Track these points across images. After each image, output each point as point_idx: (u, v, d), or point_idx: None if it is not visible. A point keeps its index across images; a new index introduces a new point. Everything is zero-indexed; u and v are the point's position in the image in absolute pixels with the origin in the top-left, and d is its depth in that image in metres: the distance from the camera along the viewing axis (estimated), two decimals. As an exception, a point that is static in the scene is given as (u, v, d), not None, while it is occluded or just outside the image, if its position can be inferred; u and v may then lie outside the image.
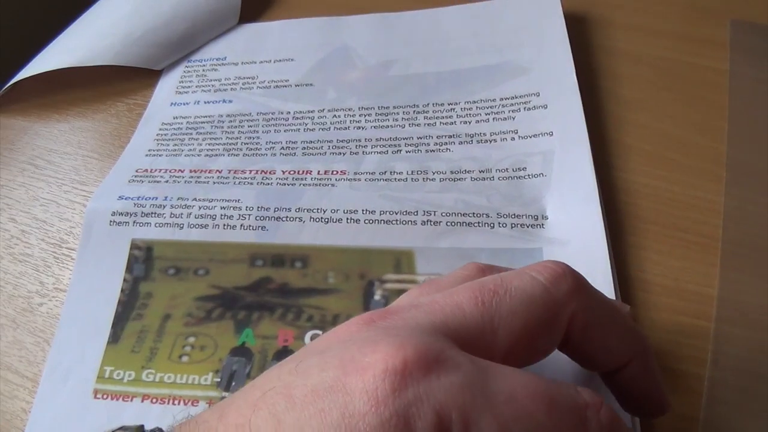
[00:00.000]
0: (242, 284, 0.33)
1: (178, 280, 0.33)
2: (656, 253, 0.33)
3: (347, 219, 0.34)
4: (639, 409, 0.26)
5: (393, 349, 0.19)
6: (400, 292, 0.30)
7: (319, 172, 0.37)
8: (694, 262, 0.33)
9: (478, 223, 0.33)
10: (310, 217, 0.34)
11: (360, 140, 0.39)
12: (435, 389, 0.18)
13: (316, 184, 0.36)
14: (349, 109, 0.41)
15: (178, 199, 0.36)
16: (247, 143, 0.39)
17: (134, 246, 0.34)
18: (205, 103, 0.43)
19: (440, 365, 0.19)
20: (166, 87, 0.44)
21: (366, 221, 0.34)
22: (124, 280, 0.33)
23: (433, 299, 0.22)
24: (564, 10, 0.42)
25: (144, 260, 0.34)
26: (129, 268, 0.34)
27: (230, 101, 0.43)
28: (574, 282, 0.23)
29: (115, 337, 0.32)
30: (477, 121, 0.39)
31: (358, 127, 0.39)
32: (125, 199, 0.36)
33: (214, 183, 0.37)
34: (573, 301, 0.23)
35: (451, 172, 0.36)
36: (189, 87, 0.44)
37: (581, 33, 0.43)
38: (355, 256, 0.33)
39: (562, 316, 0.23)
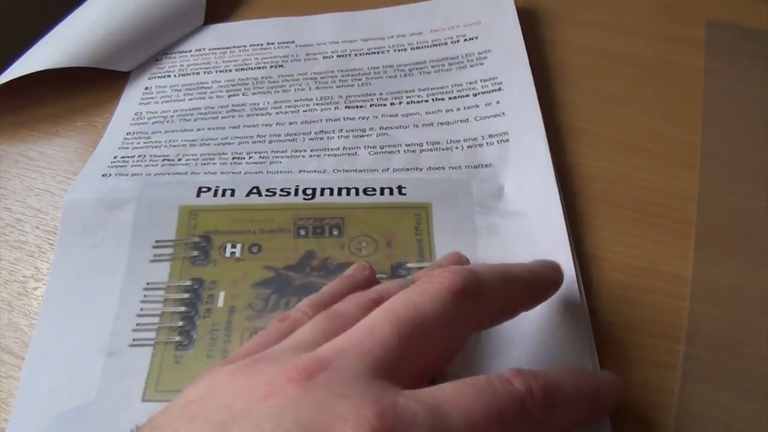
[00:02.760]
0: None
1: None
2: (632, 236, 0.35)
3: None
4: None
5: (368, 408, 0.20)
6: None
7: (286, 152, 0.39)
8: (668, 245, 0.34)
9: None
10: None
11: (324, 129, 0.40)
12: None
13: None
14: (309, 100, 0.42)
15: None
16: (215, 138, 0.40)
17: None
18: (174, 101, 0.44)
19: (401, 424, 0.20)
20: (134, 87, 0.45)
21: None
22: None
23: (356, 339, 0.23)
24: (518, 7, 0.46)
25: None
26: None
27: (197, 98, 0.44)
28: (467, 298, 0.25)
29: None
30: (435, 109, 0.41)
31: (322, 119, 0.41)
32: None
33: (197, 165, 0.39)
34: (471, 321, 0.25)
35: (411, 151, 0.38)
36: (157, 86, 0.45)
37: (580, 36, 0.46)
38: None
39: (462, 334, 0.25)
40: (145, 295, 0.33)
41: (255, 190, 0.36)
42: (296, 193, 0.36)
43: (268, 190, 0.36)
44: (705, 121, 0.39)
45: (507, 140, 0.38)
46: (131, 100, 0.44)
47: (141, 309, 0.32)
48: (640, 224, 0.35)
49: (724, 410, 0.29)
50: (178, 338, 0.31)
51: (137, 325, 0.32)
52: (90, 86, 0.45)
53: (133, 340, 0.31)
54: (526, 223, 0.34)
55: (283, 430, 0.19)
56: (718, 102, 0.41)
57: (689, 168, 0.37)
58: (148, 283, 0.33)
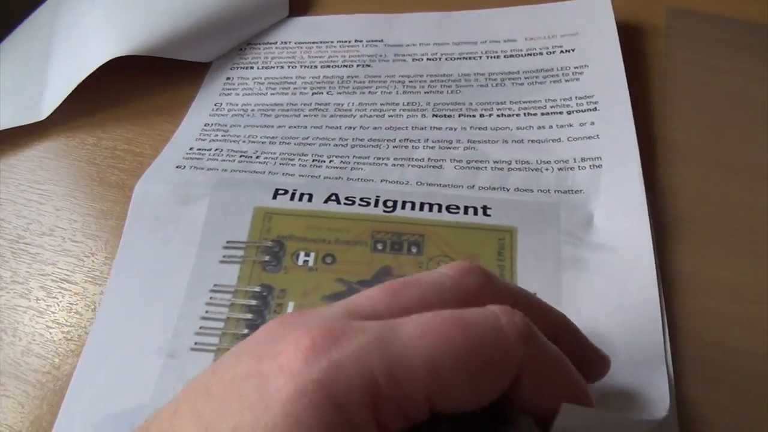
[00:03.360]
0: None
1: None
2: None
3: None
4: None
5: (301, 332, 0.19)
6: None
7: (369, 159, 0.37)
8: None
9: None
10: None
11: (410, 137, 0.38)
12: (349, 352, 0.19)
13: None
14: (395, 104, 0.40)
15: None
16: (296, 137, 0.39)
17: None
18: (256, 94, 0.42)
19: (349, 333, 0.19)
20: (216, 76, 0.44)
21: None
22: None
23: (347, 299, 0.22)
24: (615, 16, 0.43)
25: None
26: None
27: (280, 93, 0.42)
28: (482, 276, 0.23)
29: None
30: (527, 125, 0.38)
31: (408, 126, 0.39)
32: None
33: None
34: (480, 292, 0.23)
35: (498, 169, 0.36)
36: (239, 77, 0.44)
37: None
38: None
39: (472, 303, 0.22)
40: (211, 297, 0.32)
41: (334, 197, 0.35)
42: (376, 204, 0.34)
43: (347, 198, 0.34)
44: (664, 108, 0.39)
45: (600, 165, 0.36)
46: (212, 90, 0.43)
47: (206, 312, 0.31)
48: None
49: (715, 406, 0.29)
50: (242, 346, 0.30)
51: (200, 328, 0.31)
52: (171, 79, 0.44)
53: (195, 343, 0.31)
54: (615, 259, 0.32)
55: (242, 353, 0.20)
56: (679, 90, 0.40)
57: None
58: (215, 285, 0.32)
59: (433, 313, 0.20)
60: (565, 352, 0.23)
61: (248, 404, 0.18)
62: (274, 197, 0.35)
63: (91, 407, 0.29)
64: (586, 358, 0.25)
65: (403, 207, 0.34)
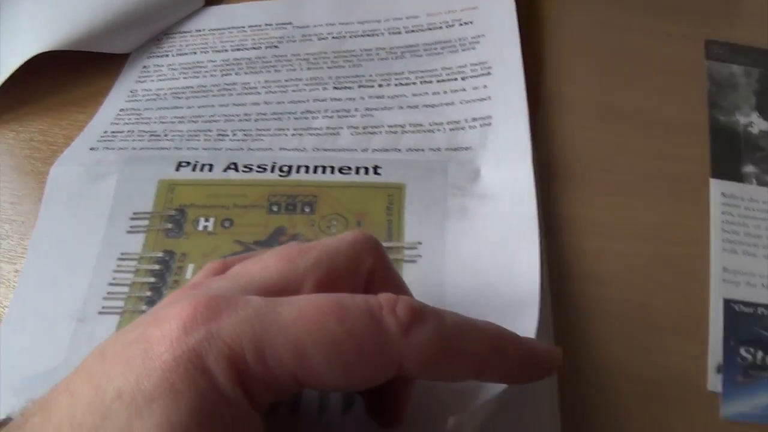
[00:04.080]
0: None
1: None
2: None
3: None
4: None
5: (188, 302, 0.20)
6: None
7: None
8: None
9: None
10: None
11: (310, 109, 0.40)
12: (225, 325, 0.20)
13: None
14: (299, 80, 0.42)
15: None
16: (203, 115, 0.41)
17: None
18: (169, 79, 0.44)
19: (230, 306, 0.20)
20: (133, 66, 0.46)
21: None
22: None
23: (242, 266, 0.24)
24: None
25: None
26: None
27: (192, 77, 0.44)
28: (372, 243, 0.25)
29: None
30: (422, 92, 0.41)
31: (310, 99, 0.41)
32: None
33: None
34: (371, 256, 0.24)
35: (392, 132, 0.38)
36: (154, 65, 0.45)
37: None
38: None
39: (362, 266, 0.24)
40: (118, 265, 0.33)
41: (233, 166, 0.36)
42: (272, 170, 0.36)
43: (245, 166, 0.36)
44: (556, 67, 0.42)
45: (489, 124, 0.38)
46: (128, 78, 0.45)
47: (113, 278, 0.33)
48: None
49: (590, 334, 0.32)
50: (144, 307, 0.32)
51: (108, 293, 0.32)
52: (89, 71, 0.46)
53: (103, 307, 0.32)
54: (498, 206, 0.34)
55: (138, 321, 0.21)
56: (568, 47, 0.43)
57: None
58: (122, 254, 0.34)
59: (316, 295, 0.21)
60: (509, 361, 0.23)
61: (132, 367, 0.19)
62: (177, 169, 0.36)
63: (10, 373, 0.30)
64: (533, 358, 0.24)
65: (297, 171, 0.36)
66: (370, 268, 0.24)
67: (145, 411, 0.18)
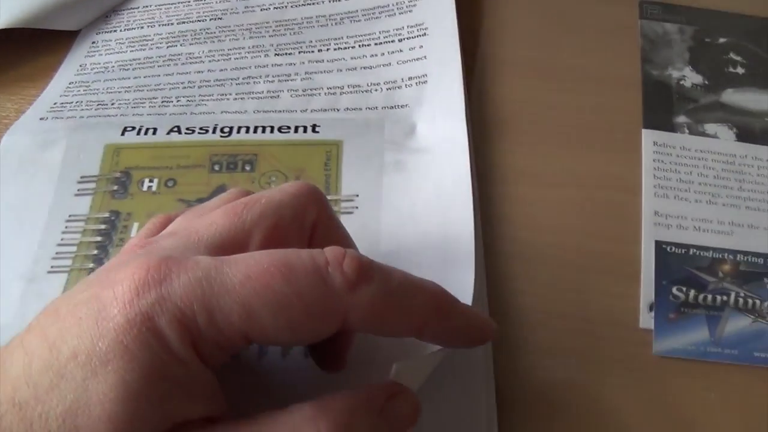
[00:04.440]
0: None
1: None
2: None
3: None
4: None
5: (140, 263, 0.21)
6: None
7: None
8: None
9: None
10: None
11: (252, 75, 0.42)
12: (175, 288, 0.20)
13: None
14: (242, 48, 0.44)
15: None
16: (149, 84, 0.42)
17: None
18: (116, 53, 0.45)
19: (180, 267, 0.21)
20: (82, 42, 0.47)
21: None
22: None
23: (190, 225, 0.24)
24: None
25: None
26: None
27: (139, 49, 0.45)
28: (315, 193, 0.26)
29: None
30: (360, 55, 0.42)
31: (252, 66, 0.42)
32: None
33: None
34: (315, 207, 0.25)
35: (331, 94, 0.40)
36: (103, 41, 0.46)
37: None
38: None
39: (307, 216, 0.25)
40: (66, 227, 0.34)
41: (176, 129, 0.37)
42: (214, 131, 0.37)
43: (188, 129, 0.37)
44: (494, 29, 0.44)
45: (425, 82, 0.39)
46: (78, 53, 0.46)
47: (62, 239, 0.34)
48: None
49: (523, 277, 0.33)
50: (91, 265, 0.33)
51: (56, 253, 0.34)
52: (40, 48, 0.47)
53: (51, 267, 0.33)
54: (432, 159, 0.35)
55: (90, 279, 0.22)
56: (505, 9, 0.45)
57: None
58: (70, 216, 0.35)
59: (262, 253, 0.21)
60: (448, 325, 0.24)
61: (86, 328, 0.20)
62: (123, 134, 0.37)
63: None
64: (470, 327, 0.25)
65: (238, 132, 0.37)
66: (315, 219, 0.25)
67: (101, 371, 0.19)
